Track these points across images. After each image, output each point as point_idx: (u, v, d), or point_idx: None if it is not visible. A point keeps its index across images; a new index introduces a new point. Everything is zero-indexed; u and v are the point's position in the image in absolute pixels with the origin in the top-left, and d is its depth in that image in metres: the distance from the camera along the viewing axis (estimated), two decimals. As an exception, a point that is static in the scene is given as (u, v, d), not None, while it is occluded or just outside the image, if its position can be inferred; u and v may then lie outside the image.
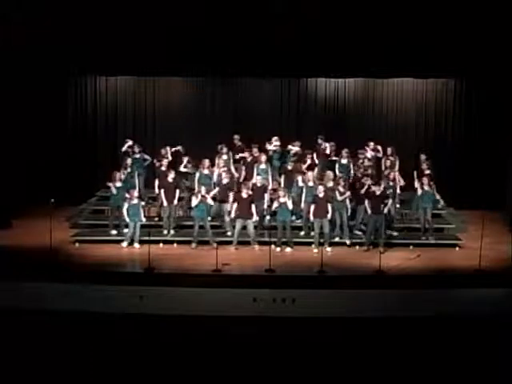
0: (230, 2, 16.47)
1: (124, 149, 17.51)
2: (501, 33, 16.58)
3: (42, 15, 16.30)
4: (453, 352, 11.73)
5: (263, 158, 16.66)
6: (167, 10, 16.41)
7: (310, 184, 15.79)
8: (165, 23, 16.63)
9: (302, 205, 15.77)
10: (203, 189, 15.42)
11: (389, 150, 17.36)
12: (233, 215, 15.42)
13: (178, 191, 15.94)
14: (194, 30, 16.74)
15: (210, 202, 15.43)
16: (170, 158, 17.10)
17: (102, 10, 16.31)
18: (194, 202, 15.37)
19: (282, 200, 15.18)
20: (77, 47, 16.97)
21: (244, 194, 15.30)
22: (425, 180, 15.72)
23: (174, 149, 17.39)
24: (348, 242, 15.55)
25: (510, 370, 11.15)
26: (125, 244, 15.42)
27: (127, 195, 15.52)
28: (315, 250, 15.13)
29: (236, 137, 17.92)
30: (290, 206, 15.22)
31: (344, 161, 17.03)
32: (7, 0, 16.06)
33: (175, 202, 15.89)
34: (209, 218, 15.62)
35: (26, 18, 16.24)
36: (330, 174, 16.06)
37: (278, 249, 15.08)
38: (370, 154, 17.36)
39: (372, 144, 17.61)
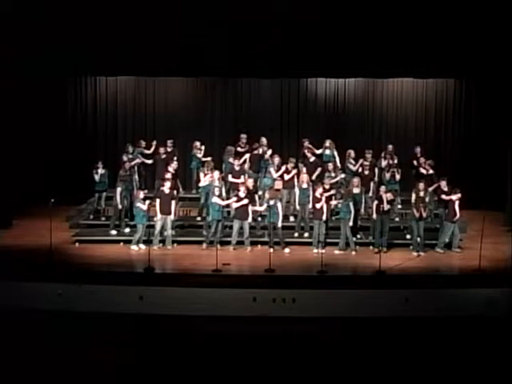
0: (230, 1, 16.46)
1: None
2: (501, 33, 16.57)
3: (42, 15, 16.30)
4: (453, 352, 11.75)
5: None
6: (167, 10, 16.40)
7: (304, 186, 15.85)
8: (165, 23, 16.61)
9: (297, 206, 15.82)
10: (216, 190, 15.40)
11: (390, 147, 17.42)
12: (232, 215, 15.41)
13: (173, 202, 15.54)
14: (193, 30, 16.72)
15: (220, 202, 15.37)
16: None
17: (102, 11, 16.30)
18: (215, 200, 15.32)
19: (271, 202, 15.24)
20: (77, 47, 16.94)
21: (242, 194, 15.33)
22: (421, 186, 15.34)
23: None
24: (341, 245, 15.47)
25: (509, 369, 11.16)
26: (136, 247, 15.33)
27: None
28: (315, 251, 15.15)
29: (243, 136, 17.87)
30: (280, 208, 15.27)
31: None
32: (7, 0, 16.06)
33: (171, 215, 15.39)
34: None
35: (25, 18, 16.24)
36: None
37: (271, 249, 15.02)
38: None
39: (390, 147, 17.56)
